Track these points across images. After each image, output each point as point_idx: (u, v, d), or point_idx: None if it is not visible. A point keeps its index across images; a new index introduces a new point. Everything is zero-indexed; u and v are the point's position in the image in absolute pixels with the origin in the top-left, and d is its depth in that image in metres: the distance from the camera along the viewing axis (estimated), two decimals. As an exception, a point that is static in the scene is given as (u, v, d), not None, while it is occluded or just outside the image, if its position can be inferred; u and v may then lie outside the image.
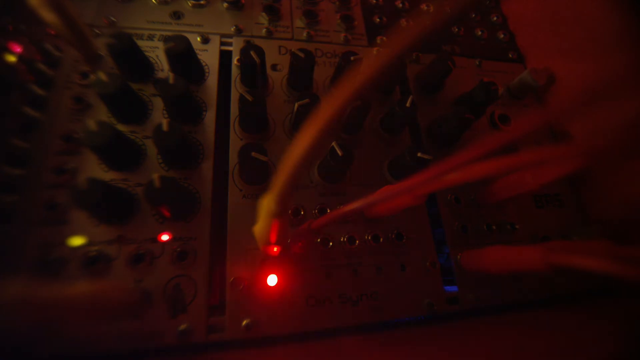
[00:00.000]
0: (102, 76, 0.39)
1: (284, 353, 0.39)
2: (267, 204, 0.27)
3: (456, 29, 0.66)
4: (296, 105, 0.44)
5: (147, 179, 0.35)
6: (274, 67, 0.53)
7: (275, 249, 0.39)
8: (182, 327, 0.36)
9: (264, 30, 0.56)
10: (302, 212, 0.44)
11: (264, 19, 0.57)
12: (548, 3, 0.63)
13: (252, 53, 0.45)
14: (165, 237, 0.40)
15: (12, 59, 0.43)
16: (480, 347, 0.41)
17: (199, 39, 0.51)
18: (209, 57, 0.51)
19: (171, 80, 0.40)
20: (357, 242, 0.44)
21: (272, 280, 0.40)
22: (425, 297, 0.44)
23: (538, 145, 0.54)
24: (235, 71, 0.51)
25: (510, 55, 0.67)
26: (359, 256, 0.44)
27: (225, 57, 0.52)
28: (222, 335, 0.38)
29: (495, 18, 0.70)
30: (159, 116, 0.46)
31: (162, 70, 0.49)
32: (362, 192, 0.46)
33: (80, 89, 0.45)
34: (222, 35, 0.53)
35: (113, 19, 0.50)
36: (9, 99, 0.42)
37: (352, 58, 0.48)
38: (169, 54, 0.44)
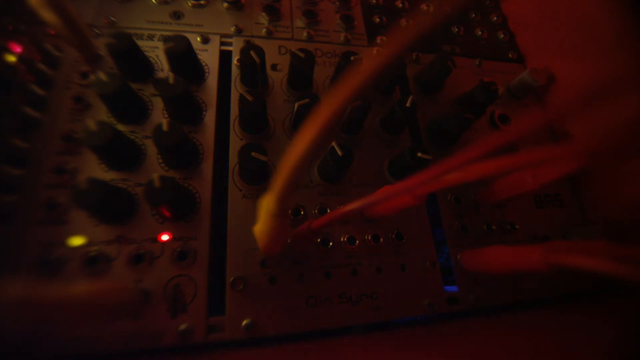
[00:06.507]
0: (102, 76, 0.39)
1: (283, 353, 0.39)
2: (267, 204, 0.27)
3: (456, 29, 0.66)
4: (296, 105, 0.44)
5: (147, 179, 0.35)
6: (274, 67, 0.53)
7: (275, 249, 0.39)
8: (182, 327, 0.36)
9: (264, 30, 0.56)
10: (302, 212, 0.44)
11: (264, 19, 0.57)
12: (548, 3, 0.63)
13: (252, 53, 0.45)
14: (165, 237, 0.40)
15: (12, 59, 0.43)
16: (480, 347, 0.41)
17: (199, 39, 0.51)
18: (209, 57, 0.51)
19: (171, 80, 0.40)
20: (357, 242, 0.44)
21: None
22: (425, 297, 0.44)
23: (538, 145, 0.54)
24: (235, 71, 0.51)
25: (510, 55, 0.67)
26: (359, 256, 0.44)
27: (225, 57, 0.52)
28: (222, 335, 0.38)
29: (495, 18, 0.70)
30: (159, 116, 0.46)
31: (162, 70, 0.49)
32: (362, 192, 0.47)
33: (80, 89, 0.45)
34: (222, 35, 0.53)
35: (113, 19, 0.50)
36: (9, 99, 0.42)
37: (352, 58, 0.48)
38: (169, 54, 0.44)
